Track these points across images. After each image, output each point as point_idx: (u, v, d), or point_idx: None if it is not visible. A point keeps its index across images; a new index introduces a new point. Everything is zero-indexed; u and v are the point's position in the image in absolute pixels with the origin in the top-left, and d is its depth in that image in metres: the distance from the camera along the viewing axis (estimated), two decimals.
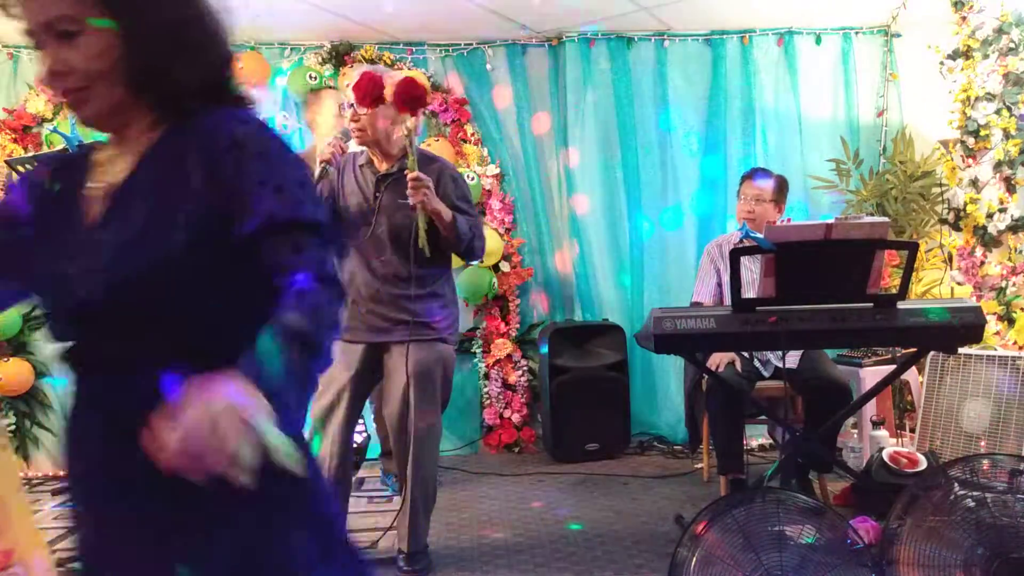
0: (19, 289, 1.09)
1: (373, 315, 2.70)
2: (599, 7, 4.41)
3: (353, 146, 2.80)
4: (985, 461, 2.11)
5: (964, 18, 3.69)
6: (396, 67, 4.70)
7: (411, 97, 2.48)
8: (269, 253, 1.00)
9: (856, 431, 3.90)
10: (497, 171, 4.75)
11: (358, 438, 4.28)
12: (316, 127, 3.70)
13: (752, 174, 3.54)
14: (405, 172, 2.62)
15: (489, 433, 4.68)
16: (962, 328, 2.36)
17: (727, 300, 3.47)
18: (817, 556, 1.94)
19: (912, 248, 2.43)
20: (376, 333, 2.70)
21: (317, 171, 2.60)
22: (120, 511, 0.99)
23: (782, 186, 3.52)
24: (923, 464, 3.06)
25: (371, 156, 2.75)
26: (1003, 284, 3.56)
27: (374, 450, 4.22)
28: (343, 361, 2.71)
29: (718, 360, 3.30)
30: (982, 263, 3.63)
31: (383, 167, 2.73)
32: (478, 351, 4.70)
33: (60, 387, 4.52)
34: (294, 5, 4.19)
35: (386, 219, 2.67)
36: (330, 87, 3.78)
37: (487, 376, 4.68)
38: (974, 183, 3.65)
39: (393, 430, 2.77)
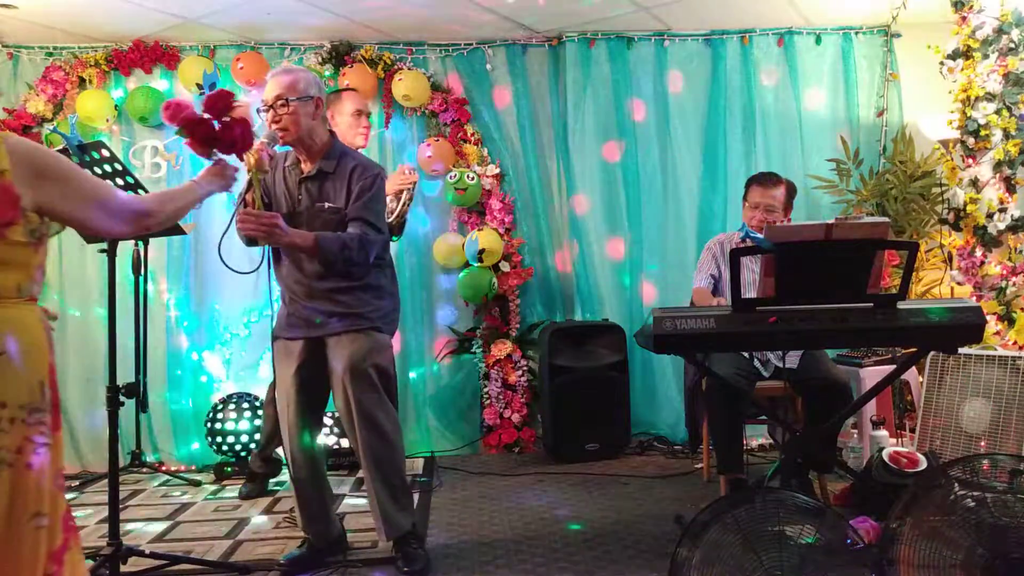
0: None
1: (308, 310, 2.72)
2: (599, 7, 4.42)
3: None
4: (985, 461, 2.11)
5: (964, 18, 3.69)
6: (396, 67, 4.71)
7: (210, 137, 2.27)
8: None
9: (856, 431, 3.90)
10: (497, 171, 4.75)
11: None
12: (336, 127, 3.61)
13: (761, 180, 3.46)
14: (321, 170, 2.69)
15: (489, 433, 4.68)
16: (962, 328, 2.36)
17: (723, 293, 3.47)
18: (817, 556, 1.94)
19: (912, 248, 2.42)
20: (312, 328, 2.73)
21: (244, 182, 2.58)
22: None
23: (791, 192, 3.50)
24: (923, 464, 3.06)
25: (297, 156, 2.76)
26: (1003, 284, 3.56)
27: None
28: (286, 360, 2.74)
29: None
30: (982, 263, 3.63)
31: (307, 167, 2.74)
32: (478, 351, 4.70)
33: None
34: (294, 5, 4.20)
35: (307, 221, 2.70)
36: (350, 89, 3.73)
37: (487, 376, 4.68)
38: (974, 183, 3.65)
39: (344, 422, 2.78)
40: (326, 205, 2.68)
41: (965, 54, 3.68)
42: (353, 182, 2.72)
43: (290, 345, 2.75)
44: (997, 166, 3.59)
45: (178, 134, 2.27)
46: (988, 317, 3.41)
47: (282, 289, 2.81)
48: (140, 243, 4.04)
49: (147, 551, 2.77)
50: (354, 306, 2.73)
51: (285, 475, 4.05)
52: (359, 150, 3.41)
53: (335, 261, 2.63)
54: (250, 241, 2.69)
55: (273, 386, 3.71)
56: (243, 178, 2.55)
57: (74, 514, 1.71)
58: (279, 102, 2.63)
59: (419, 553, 2.78)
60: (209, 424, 4.29)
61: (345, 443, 4.25)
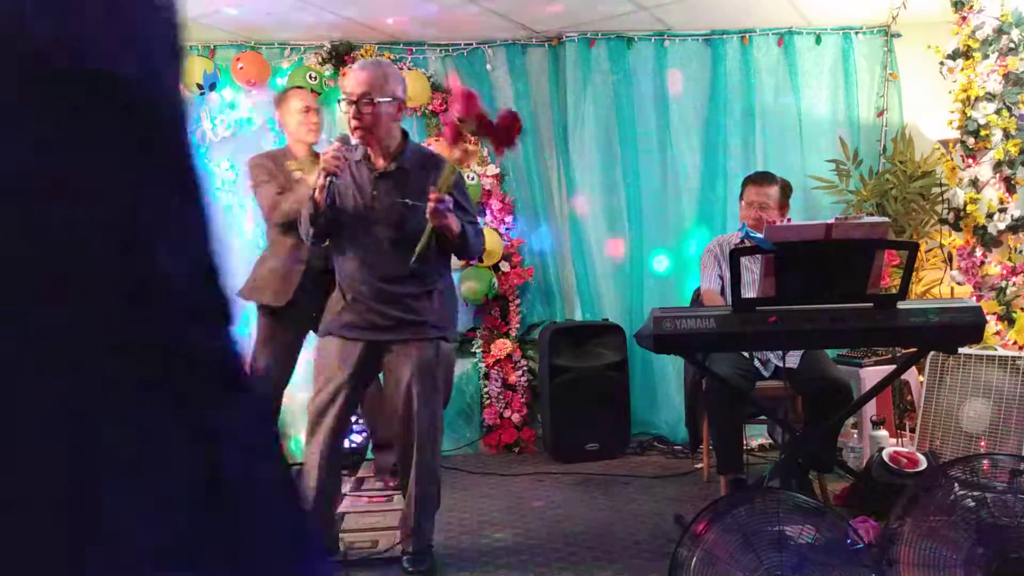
0: None
1: (374, 313, 2.66)
2: (599, 7, 4.42)
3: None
4: (985, 461, 2.11)
5: (964, 18, 3.69)
6: (396, 67, 4.70)
7: (506, 132, 2.48)
8: None
9: (856, 431, 3.90)
10: (497, 171, 4.75)
11: (358, 438, 4.29)
12: (286, 126, 3.71)
13: (756, 179, 3.47)
14: (402, 167, 2.64)
15: (489, 433, 4.68)
16: (962, 328, 2.37)
17: (727, 293, 3.47)
18: (817, 556, 1.94)
19: (912, 248, 2.43)
20: (377, 332, 2.67)
21: (321, 182, 2.54)
22: None
23: (786, 190, 3.50)
24: (923, 464, 3.06)
25: (368, 152, 2.69)
26: (1003, 284, 3.56)
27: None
28: (341, 358, 2.68)
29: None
30: (982, 263, 3.63)
31: (380, 164, 2.66)
32: (478, 351, 4.70)
33: None
34: (294, 5, 4.20)
35: (385, 218, 2.62)
36: (297, 87, 3.89)
37: (487, 376, 4.68)
38: (974, 183, 3.65)
39: (396, 429, 2.76)
40: (409, 202, 2.60)
41: (965, 54, 3.68)
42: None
43: (348, 345, 2.68)
44: (997, 166, 3.59)
45: (467, 123, 2.41)
46: (988, 317, 3.41)
47: (343, 286, 2.72)
48: None
49: None
50: (423, 313, 2.68)
51: None
52: (312, 146, 3.55)
53: (469, 250, 2.68)
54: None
55: None
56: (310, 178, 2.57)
57: None
58: (364, 99, 2.55)
59: (428, 556, 2.79)
60: None
61: (345, 444, 4.24)
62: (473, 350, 4.72)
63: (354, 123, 2.57)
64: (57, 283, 0.37)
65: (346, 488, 3.89)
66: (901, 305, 2.37)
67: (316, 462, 2.72)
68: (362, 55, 4.68)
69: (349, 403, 2.73)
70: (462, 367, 4.78)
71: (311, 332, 3.53)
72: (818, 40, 4.81)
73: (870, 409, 3.65)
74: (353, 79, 2.59)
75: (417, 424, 2.67)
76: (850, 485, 3.32)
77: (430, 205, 2.48)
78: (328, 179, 2.53)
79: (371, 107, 2.56)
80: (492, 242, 4.61)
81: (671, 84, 4.82)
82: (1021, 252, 3.58)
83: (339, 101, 2.63)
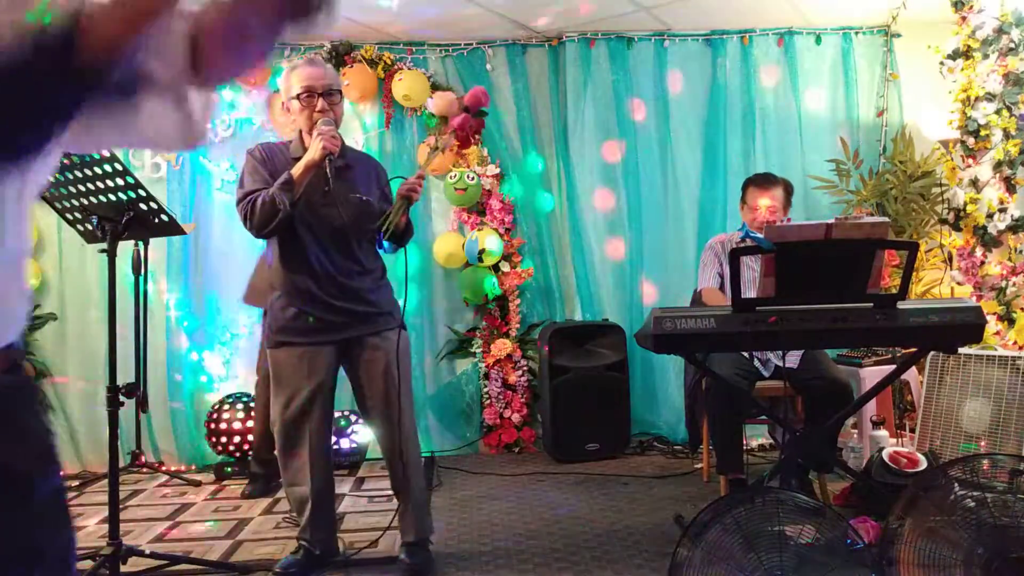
0: None
1: (339, 312, 2.63)
2: (599, 7, 4.42)
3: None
4: (985, 461, 2.11)
5: (964, 18, 3.69)
6: (396, 67, 4.70)
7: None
8: None
9: (856, 431, 3.90)
10: (497, 171, 4.75)
11: (359, 439, 4.29)
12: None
13: (759, 181, 3.47)
14: (348, 163, 2.69)
15: (489, 433, 4.68)
16: (962, 328, 2.37)
17: (727, 291, 3.47)
18: (817, 556, 1.94)
19: (912, 248, 2.43)
20: (348, 329, 2.66)
21: (316, 158, 2.52)
22: None
23: (788, 191, 3.50)
24: (923, 464, 3.06)
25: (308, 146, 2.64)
26: (1003, 284, 3.56)
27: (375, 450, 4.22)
28: (310, 365, 2.63)
29: None
30: (982, 263, 3.63)
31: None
32: (478, 351, 4.70)
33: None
34: None
35: (340, 213, 2.60)
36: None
37: (487, 376, 4.68)
38: (974, 183, 3.65)
39: (380, 423, 2.73)
40: (363, 197, 2.66)
41: (965, 54, 3.68)
42: (381, 180, 2.82)
43: (316, 351, 2.64)
44: (997, 166, 3.59)
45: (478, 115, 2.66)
46: (988, 317, 3.41)
47: (291, 289, 2.64)
48: (140, 243, 4.03)
49: (147, 551, 2.77)
50: (384, 305, 2.73)
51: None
52: None
53: (408, 238, 2.75)
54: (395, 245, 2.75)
55: (264, 386, 3.70)
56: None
57: (74, 514, 1.69)
58: (330, 92, 2.62)
59: (426, 554, 2.78)
60: (209, 424, 4.29)
61: (345, 444, 4.25)
62: (473, 350, 4.72)
63: (320, 115, 2.59)
64: None
65: (346, 488, 3.89)
66: (901, 305, 2.37)
67: (311, 471, 2.69)
68: (362, 55, 4.68)
69: (327, 408, 2.72)
70: (462, 367, 4.78)
71: None
72: (818, 40, 4.81)
73: (870, 409, 3.65)
74: (313, 73, 2.62)
75: (402, 414, 2.67)
76: (850, 485, 3.32)
77: (412, 181, 2.64)
78: (329, 159, 2.52)
79: (338, 99, 2.65)
80: (492, 242, 4.61)
81: (671, 84, 4.82)
82: (1021, 252, 3.58)
83: (298, 96, 2.61)
